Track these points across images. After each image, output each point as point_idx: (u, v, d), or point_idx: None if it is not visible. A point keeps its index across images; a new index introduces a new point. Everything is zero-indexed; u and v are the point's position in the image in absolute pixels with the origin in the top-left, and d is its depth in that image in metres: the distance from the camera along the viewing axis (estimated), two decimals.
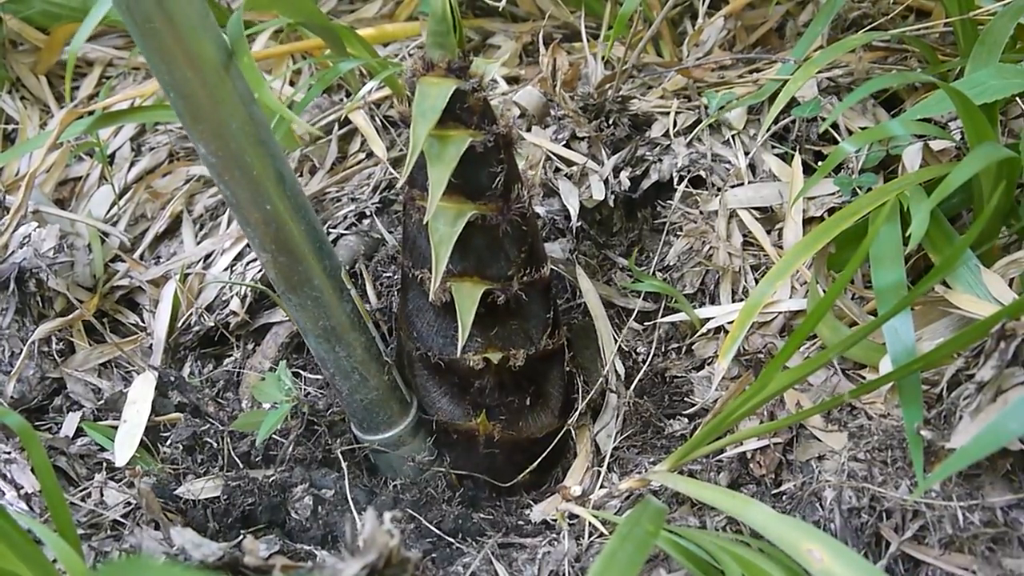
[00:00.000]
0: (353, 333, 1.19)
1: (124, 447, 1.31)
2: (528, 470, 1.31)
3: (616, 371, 1.33)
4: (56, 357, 1.44)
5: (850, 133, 1.46)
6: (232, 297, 1.49)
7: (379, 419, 1.26)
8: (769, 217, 1.43)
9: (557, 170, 1.53)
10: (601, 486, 1.22)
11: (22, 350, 1.40)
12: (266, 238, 1.06)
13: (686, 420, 1.28)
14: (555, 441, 1.31)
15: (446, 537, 1.23)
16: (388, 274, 1.52)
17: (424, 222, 1.06)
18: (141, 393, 1.38)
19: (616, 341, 1.36)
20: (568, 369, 1.34)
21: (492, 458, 1.30)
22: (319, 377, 1.46)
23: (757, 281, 1.36)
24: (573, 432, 1.31)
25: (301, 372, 1.48)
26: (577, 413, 1.31)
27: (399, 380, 1.27)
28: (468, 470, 1.32)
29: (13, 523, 0.89)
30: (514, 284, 1.18)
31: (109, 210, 1.72)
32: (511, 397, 1.27)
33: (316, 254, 1.11)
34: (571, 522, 1.17)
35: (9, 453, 1.29)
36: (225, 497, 1.27)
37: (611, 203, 1.49)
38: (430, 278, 1.09)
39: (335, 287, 1.15)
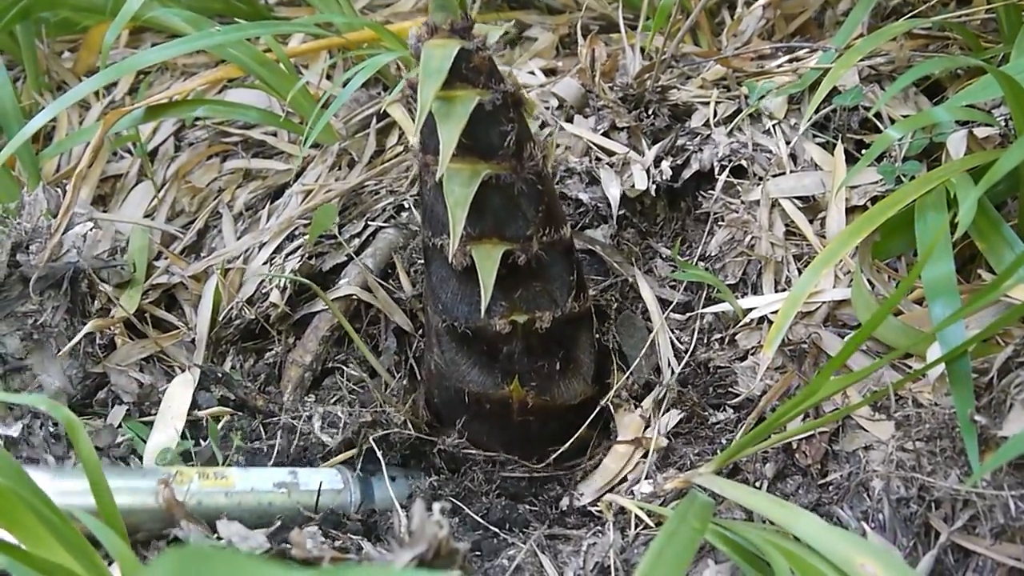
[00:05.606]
0: None
1: (152, 453, 1.31)
2: (575, 436, 1.31)
3: (668, 360, 1.33)
4: (99, 353, 1.45)
5: (892, 121, 1.44)
6: (272, 290, 1.50)
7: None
8: (811, 206, 1.41)
9: (598, 159, 1.52)
10: (647, 476, 1.21)
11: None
12: None
13: (731, 411, 1.27)
14: (592, 416, 1.31)
15: (492, 528, 1.23)
16: (423, 261, 1.52)
17: (438, 179, 1.07)
18: (177, 397, 1.38)
19: (668, 331, 1.36)
20: (598, 336, 1.35)
21: (527, 427, 1.30)
22: (360, 376, 1.47)
23: (800, 271, 1.35)
24: (613, 412, 1.32)
25: (344, 367, 1.48)
26: (614, 392, 1.32)
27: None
28: (504, 441, 1.33)
29: (62, 516, 0.89)
30: (534, 244, 1.19)
31: (149, 205, 1.73)
32: (540, 362, 1.27)
33: None
34: (616, 514, 1.17)
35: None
36: None
37: (653, 192, 1.49)
38: (449, 243, 1.09)
39: None
